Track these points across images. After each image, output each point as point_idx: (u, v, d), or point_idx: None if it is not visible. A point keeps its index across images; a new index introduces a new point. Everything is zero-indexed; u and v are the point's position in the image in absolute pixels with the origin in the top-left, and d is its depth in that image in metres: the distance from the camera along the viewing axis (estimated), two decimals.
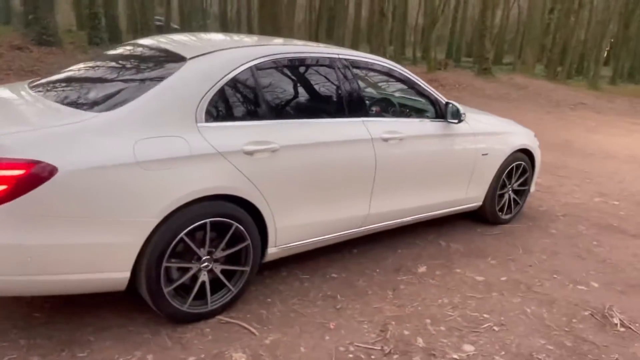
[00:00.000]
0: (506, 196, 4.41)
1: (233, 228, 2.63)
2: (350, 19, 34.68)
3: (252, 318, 2.76)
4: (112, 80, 2.74)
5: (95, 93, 2.64)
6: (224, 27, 38.94)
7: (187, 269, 2.57)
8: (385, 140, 3.27)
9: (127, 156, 2.30)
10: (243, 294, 2.84)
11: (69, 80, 2.93)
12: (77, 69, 3.09)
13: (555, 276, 3.57)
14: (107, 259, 2.33)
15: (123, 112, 2.37)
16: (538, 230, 4.48)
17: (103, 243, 2.29)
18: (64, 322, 2.57)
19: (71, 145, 2.21)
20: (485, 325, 2.85)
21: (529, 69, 21.79)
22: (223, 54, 2.76)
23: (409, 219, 3.67)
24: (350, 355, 2.50)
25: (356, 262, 3.50)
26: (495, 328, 2.84)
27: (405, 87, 3.72)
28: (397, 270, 3.44)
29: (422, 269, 3.49)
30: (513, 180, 4.41)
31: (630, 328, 2.97)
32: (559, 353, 2.66)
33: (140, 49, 3.08)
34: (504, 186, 4.33)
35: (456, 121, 3.67)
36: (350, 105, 3.19)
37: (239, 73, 2.72)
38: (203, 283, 2.63)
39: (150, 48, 3.01)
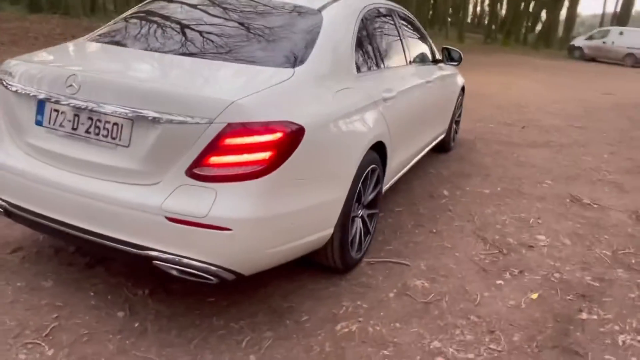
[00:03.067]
0: (453, 126, 5.27)
1: (377, 173, 2.79)
2: None
3: (392, 253, 3.00)
4: (251, 32, 2.49)
5: (251, 47, 2.39)
6: None
7: (354, 218, 2.66)
8: (431, 82, 3.73)
9: (337, 109, 2.28)
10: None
11: (183, 31, 2.54)
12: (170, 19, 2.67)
13: (523, 180, 4.59)
14: (328, 216, 2.32)
15: (310, 67, 2.29)
16: (473, 151, 5.51)
17: (328, 200, 2.28)
18: (246, 302, 2.43)
19: (297, 103, 2.10)
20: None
21: None
22: (342, 4, 2.77)
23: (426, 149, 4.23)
24: (486, 260, 3.01)
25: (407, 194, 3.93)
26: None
27: (416, 34, 4.13)
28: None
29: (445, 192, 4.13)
30: (458, 112, 5.28)
31: (598, 204, 4.13)
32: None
33: None
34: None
35: (456, 63, 4.29)
36: (416, 52, 3.55)
37: (361, 22, 2.80)
38: (357, 229, 2.75)
39: None
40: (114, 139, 2.00)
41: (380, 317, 2.39)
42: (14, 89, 2.18)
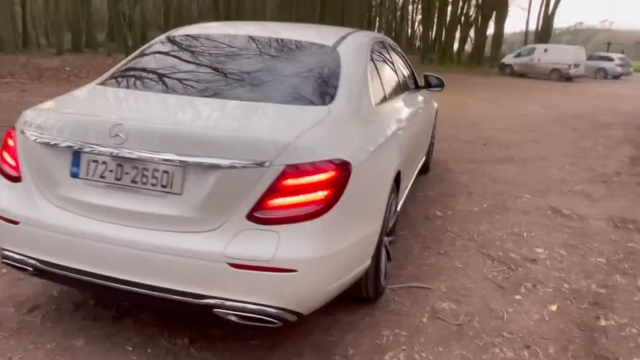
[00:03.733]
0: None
1: (395, 200, 2.87)
2: None
3: (410, 277, 3.07)
4: (277, 72, 2.51)
5: (282, 86, 2.42)
6: None
7: (381, 246, 2.71)
8: (420, 108, 3.88)
9: (370, 142, 2.35)
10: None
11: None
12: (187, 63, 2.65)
13: (503, 196, 4.83)
14: (369, 247, 2.35)
15: (341, 103, 2.34)
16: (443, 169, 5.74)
17: (370, 232, 2.32)
18: (289, 341, 2.41)
19: (340, 140, 2.15)
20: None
21: None
22: (352, 39, 2.86)
23: None
24: (499, 277, 3.14)
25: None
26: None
27: (403, 63, 4.27)
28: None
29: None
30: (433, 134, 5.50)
31: (577, 214, 4.41)
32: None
33: (241, 37, 2.89)
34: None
35: (439, 89, 4.48)
36: (406, 80, 3.68)
37: (369, 56, 2.90)
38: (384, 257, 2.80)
39: (255, 38, 2.83)
40: (164, 187, 1.95)
41: (422, 344, 2.44)
42: (43, 140, 2.09)
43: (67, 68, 15.39)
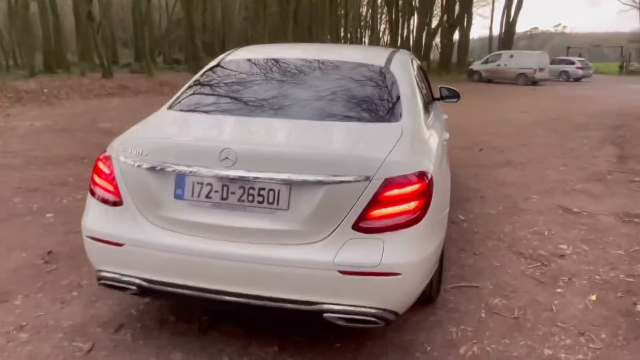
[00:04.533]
0: None
1: None
2: None
3: (457, 278, 3.29)
4: (341, 93, 2.71)
5: (352, 106, 2.63)
6: None
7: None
8: (444, 119, 4.14)
9: (436, 155, 2.56)
10: None
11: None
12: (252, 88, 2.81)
13: (514, 198, 5.12)
14: (440, 251, 2.55)
15: (408, 120, 2.54)
16: None
17: (443, 236, 2.52)
18: (368, 343, 2.59)
19: (419, 154, 2.35)
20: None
21: None
22: (398, 59, 3.08)
23: None
24: (537, 273, 3.39)
25: None
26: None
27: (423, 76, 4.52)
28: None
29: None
30: None
31: (586, 211, 4.74)
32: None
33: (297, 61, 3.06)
34: None
35: (455, 100, 4.74)
36: (429, 93, 3.93)
37: (412, 73, 3.12)
38: None
39: (305, 60, 3.02)
40: (270, 204, 2.11)
41: (489, 337, 2.65)
42: (147, 166, 2.22)
43: (45, 90, 15.16)
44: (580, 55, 36.01)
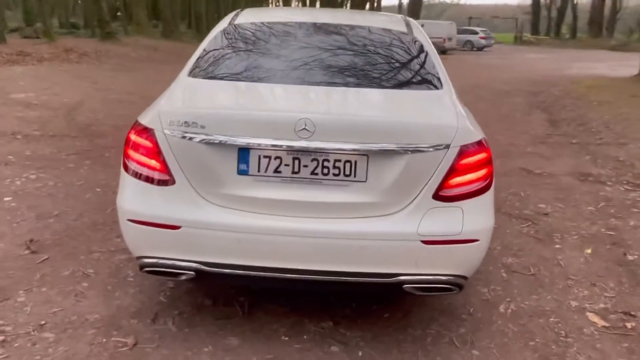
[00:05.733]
0: None
1: None
2: None
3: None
4: (380, 60, 2.61)
5: (396, 73, 2.56)
6: None
7: None
8: None
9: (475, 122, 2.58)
10: None
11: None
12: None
13: None
14: None
15: (447, 87, 2.52)
16: None
17: None
18: (415, 311, 2.62)
19: (471, 121, 2.35)
20: None
21: (144, 29, 22.13)
22: (414, 25, 3.04)
23: None
24: (531, 231, 3.62)
25: None
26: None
27: None
28: None
29: None
30: None
31: (545, 172, 5.09)
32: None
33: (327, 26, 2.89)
34: None
35: None
36: None
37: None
38: None
39: (336, 25, 2.89)
40: (347, 176, 2.02)
41: (518, 294, 2.79)
42: (202, 139, 2.00)
43: None
44: (478, 26, 38.14)
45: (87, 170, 4.57)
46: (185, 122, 2.03)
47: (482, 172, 2.11)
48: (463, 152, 2.06)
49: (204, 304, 2.54)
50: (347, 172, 2.02)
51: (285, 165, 2.02)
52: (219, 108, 2.18)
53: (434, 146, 2.02)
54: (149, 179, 2.08)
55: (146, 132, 2.10)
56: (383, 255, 2.03)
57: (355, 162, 2.01)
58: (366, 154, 2.01)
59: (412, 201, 2.04)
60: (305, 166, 2.02)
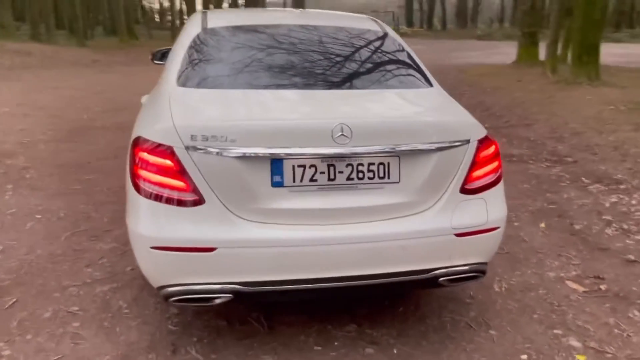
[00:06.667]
0: None
1: None
2: None
3: None
4: (368, 61, 2.64)
5: (371, 75, 2.58)
6: None
7: None
8: None
9: None
10: None
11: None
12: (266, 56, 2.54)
13: None
14: None
15: (436, 85, 2.63)
16: None
17: None
18: (433, 304, 2.72)
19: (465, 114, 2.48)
20: None
21: (10, 32, 19.83)
22: (384, 26, 3.10)
23: None
24: None
25: None
26: None
27: None
28: None
29: None
30: None
31: None
32: None
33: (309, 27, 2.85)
34: None
35: None
36: None
37: None
38: None
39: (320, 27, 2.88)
40: (381, 178, 2.03)
41: (504, 272, 3.01)
42: (234, 153, 1.88)
43: None
44: None
45: (14, 197, 4.04)
46: (213, 136, 1.90)
47: (495, 164, 2.24)
48: (480, 145, 2.17)
49: (219, 326, 2.40)
50: (381, 175, 2.03)
51: (321, 173, 1.98)
52: (248, 119, 2.06)
53: (459, 142, 2.10)
54: (172, 201, 1.92)
55: (162, 149, 1.93)
56: (421, 252, 2.08)
57: (388, 163, 2.03)
58: (397, 155, 2.04)
59: (442, 197, 2.11)
60: (341, 172, 1.99)
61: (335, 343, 2.31)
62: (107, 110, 7.77)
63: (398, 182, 2.06)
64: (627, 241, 3.44)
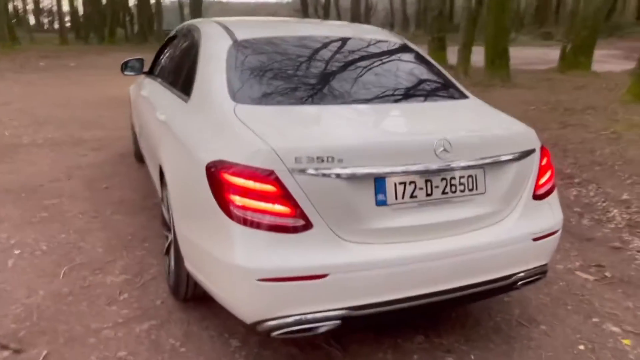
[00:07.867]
0: None
1: None
2: None
3: None
4: (403, 73, 2.68)
5: (421, 86, 2.65)
6: None
7: None
8: None
9: None
10: None
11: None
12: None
13: None
14: None
15: (472, 97, 2.73)
16: None
17: None
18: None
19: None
20: None
21: None
22: (398, 36, 3.16)
23: None
24: None
25: None
26: None
27: None
28: None
29: None
30: None
31: None
32: None
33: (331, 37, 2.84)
34: None
35: None
36: None
37: None
38: None
39: (340, 37, 2.85)
40: (470, 190, 2.06)
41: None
42: (342, 174, 1.81)
43: None
44: None
45: None
46: (319, 158, 1.81)
47: (551, 170, 2.39)
48: (541, 153, 2.30)
49: (292, 354, 2.28)
50: (471, 187, 2.08)
51: (420, 188, 1.97)
52: (353, 138, 1.98)
53: (530, 151, 2.21)
54: (277, 227, 1.80)
55: (260, 173, 1.80)
56: (506, 259, 2.16)
57: (476, 175, 2.08)
58: (482, 167, 2.09)
59: (518, 204, 2.20)
60: (437, 187, 2.01)
61: (415, 356, 2.31)
62: (27, 125, 6.97)
63: (484, 193, 2.11)
64: (605, 230, 3.82)
